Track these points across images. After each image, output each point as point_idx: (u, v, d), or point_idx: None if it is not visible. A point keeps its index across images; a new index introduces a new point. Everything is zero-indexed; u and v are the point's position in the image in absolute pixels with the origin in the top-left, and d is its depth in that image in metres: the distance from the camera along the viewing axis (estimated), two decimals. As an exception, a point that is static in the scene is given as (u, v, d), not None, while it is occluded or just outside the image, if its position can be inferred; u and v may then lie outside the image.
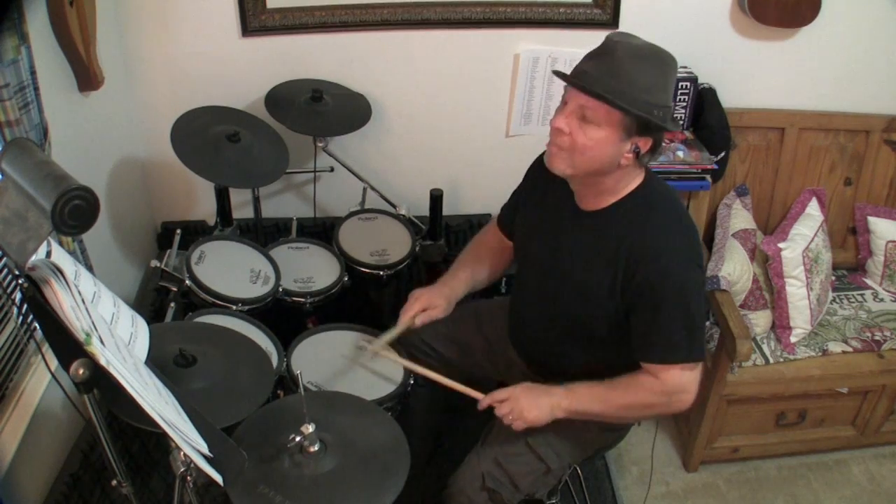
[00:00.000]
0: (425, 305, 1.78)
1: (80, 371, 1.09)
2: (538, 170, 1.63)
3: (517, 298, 1.83)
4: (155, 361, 1.27)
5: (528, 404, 1.58)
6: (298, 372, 1.54)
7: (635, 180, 1.53)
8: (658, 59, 1.42)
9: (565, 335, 1.68)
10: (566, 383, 1.60)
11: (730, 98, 2.42)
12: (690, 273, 1.50)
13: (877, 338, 2.34)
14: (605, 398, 1.58)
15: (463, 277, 1.86)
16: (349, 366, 1.86)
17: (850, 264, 2.67)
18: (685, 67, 2.39)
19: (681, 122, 2.41)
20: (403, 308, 1.79)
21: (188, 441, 1.12)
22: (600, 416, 1.62)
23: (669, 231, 1.50)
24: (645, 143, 1.45)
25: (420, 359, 1.84)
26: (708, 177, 2.34)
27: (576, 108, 1.43)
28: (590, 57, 1.44)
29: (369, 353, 1.80)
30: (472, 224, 2.62)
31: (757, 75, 2.46)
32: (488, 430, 1.75)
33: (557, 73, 1.49)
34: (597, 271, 1.54)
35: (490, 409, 1.63)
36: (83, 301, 1.08)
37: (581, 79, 1.41)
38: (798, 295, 2.29)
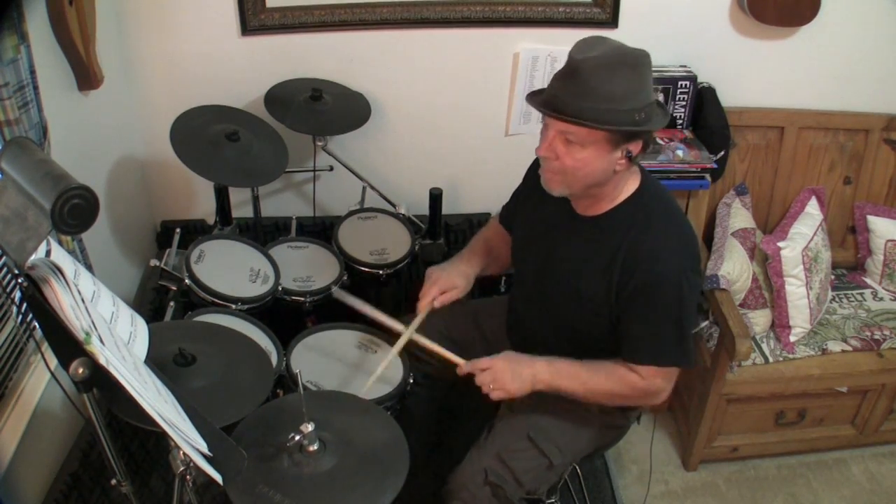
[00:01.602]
0: (444, 288, 1.77)
1: (80, 370, 1.09)
2: (536, 172, 1.63)
3: (515, 297, 1.83)
4: (154, 360, 1.27)
5: (511, 375, 1.59)
6: (298, 371, 1.54)
7: (631, 184, 1.53)
8: (627, 63, 1.38)
9: (561, 336, 1.69)
10: (549, 357, 1.62)
11: (729, 97, 2.42)
12: (686, 279, 1.49)
13: (876, 337, 2.34)
14: (584, 380, 1.59)
15: (477, 257, 1.86)
16: (361, 364, 1.85)
17: (849, 263, 2.67)
18: (684, 66, 2.39)
19: (679, 121, 2.41)
20: (422, 291, 1.78)
21: (187, 440, 1.12)
22: (574, 395, 1.63)
23: (666, 237, 1.50)
24: (636, 147, 1.44)
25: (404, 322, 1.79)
26: (707, 176, 2.33)
27: (556, 132, 1.42)
28: (558, 78, 1.42)
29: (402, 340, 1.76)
30: (472, 223, 2.62)
31: (756, 74, 2.46)
32: (490, 426, 1.76)
33: (530, 101, 1.47)
34: (593, 278, 1.55)
35: (484, 393, 1.63)
36: (83, 300, 1.08)
37: (553, 105, 1.40)
38: (797, 294, 2.29)
